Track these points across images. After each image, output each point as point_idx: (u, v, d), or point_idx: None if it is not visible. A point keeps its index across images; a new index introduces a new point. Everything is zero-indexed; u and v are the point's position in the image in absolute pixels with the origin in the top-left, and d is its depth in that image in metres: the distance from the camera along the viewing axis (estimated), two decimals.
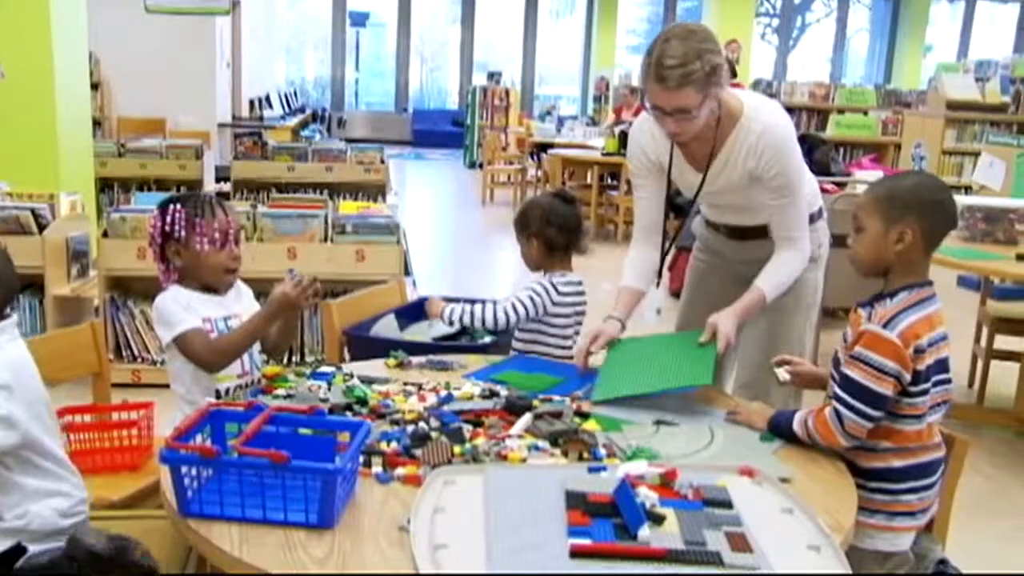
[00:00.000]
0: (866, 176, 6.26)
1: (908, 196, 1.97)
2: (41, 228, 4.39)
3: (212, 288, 2.43)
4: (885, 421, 1.92)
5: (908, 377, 1.88)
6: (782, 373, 2.24)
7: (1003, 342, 4.69)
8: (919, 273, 1.98)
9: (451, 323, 2.82)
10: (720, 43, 2.40)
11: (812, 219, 2.69)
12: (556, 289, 2.81)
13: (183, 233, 2.36)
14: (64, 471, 1.87)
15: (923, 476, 1.97)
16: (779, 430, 2.02)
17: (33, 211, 4.39)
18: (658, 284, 2.79)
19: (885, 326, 1.88)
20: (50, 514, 1.80)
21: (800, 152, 2.57)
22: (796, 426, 1.97)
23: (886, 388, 1.87)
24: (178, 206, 2.37)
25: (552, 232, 2.86)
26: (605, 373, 2.39)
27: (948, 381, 1.96)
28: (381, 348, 2.58)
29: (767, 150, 2.48)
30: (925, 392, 1.92)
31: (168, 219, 2.36)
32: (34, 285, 4.44)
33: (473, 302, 2.83)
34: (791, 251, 2.60)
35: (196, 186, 7.02)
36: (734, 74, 6.57)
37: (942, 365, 1.94)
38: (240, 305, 2.48)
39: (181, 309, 2.34)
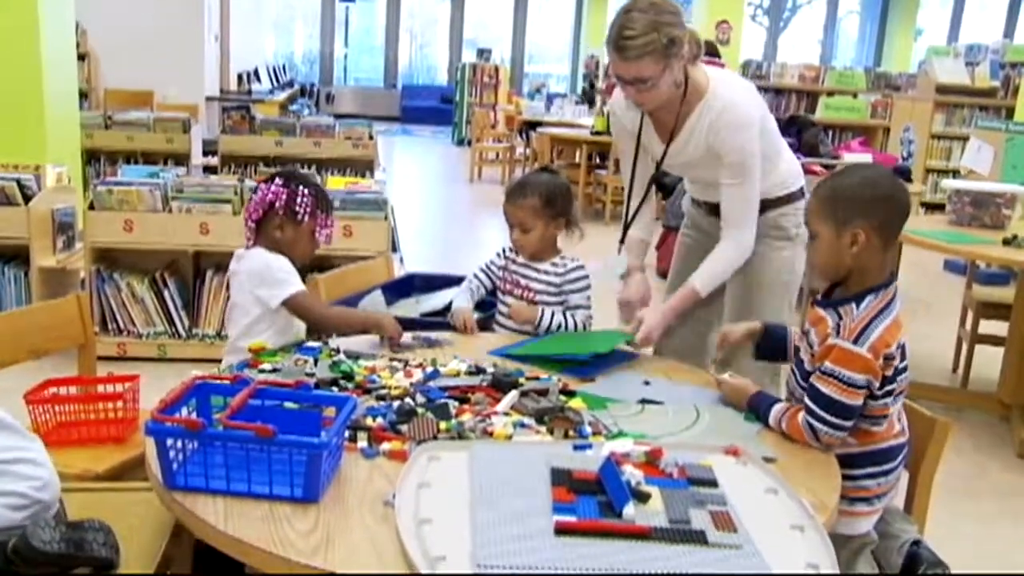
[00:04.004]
0: (855, 159, 6.27)
1: (852, 196, 1.93)
2: (27, 199, 4.36)
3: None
4: None
5: (877, 384, 1.89)
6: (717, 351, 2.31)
7: (988, 326, 4.72)
8: (881, 271, 1.96)
9: (547, 330, 2.67)
10: (683, 16, 2.45)
11: (792, 198, 2.74)
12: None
13: (306, 217, 2.53)
14: (18, 467, 1.66)
15: (882, 462, 1.98)
16: (757, 414, 2.03)
17: (19, 182, 4.37)
18: (619, 250, 2.88)
19: (855, 341, 1.86)
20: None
21: (756, 137, 2.58)
22: (772, 422, 1.97)
23: (857, 400, 1.87)
24: (306, 190, 2.54)
25: (574, 209, 2.83)
26: (532, 344, 2.51)
27: (906, 368, 1.94)
28: None
29: (725, 127, 2.54)
30: (891, 393, 1.93)
31: (298, 199, 2.52)
32: (19, 256, 4.42)
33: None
34: (731, 244, 2.67)
35: (183, 159, 6.99)
36: (715, 53, 6.56)
37: (903, 353, 1.93)
38: None
39: (291, 270, 2.50)
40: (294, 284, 2.47)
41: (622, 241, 2.89)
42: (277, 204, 2.52)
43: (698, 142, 2.60)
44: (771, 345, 2.27)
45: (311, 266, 4.35)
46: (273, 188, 2.53)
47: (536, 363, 2.33)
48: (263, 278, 2.47)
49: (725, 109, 2.54)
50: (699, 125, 2.58)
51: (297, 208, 2.52)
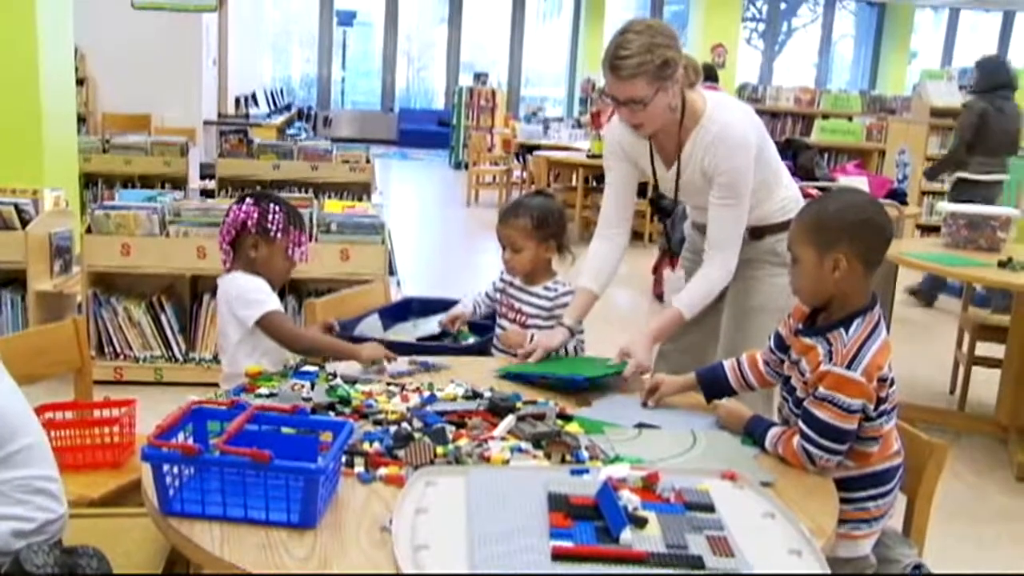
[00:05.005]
0: (850, 182, 6.30)
1: (835, 221, 1.93)
2: (24, 223, 4.36)
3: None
4: None
5: (872, 406, 1.89)
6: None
7: (984, 348, 4.72)
8: (863, 295, 1.95)
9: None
10: (679, 40, 2.48)
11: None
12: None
13: (279, 235, 2.53)
14: (30, 496, 1.68)
15: (880, 483, 1.98)
16: (754, 439, 2.02)
17: (16, 206, 4.37)
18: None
19: (849, 366, 1.86)
20: (3, 532, 1.64)
21: (751, 159, 2.58)
22: (768, 446, 1.97)
23: (852, 424, 1.87)
24: (277, 207, 2.55)
25: (566, 233, 2.84)
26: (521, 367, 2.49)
27: (894, 383, 1.93)
28: None
29: (719, 148, 2.55)
30: (884, 413, 1.92)
31: (270, 217, 2.52)
32: (16, 281, 4.42)
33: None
34: (714, 266, 2.64)
35: (181, 183, 7.00)
36: (713, 77, 6.61)
37: (889, 368, 1.93)
38: None
39: (267, 291, 2.51)
40: (267, 304, 2.49)
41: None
42: (249, 223, 2.53)
43: (695, 166, 2.61)
44: (715, 386, 2.26)
45: (308, 290, 4.37)
46: (244, 208, 2.55)
47: (532, 383, 2.34)
48: (239, 299, 2.51)
49: (721, 131, 2.55)
50: (696, 149, 2.59)
51: (269, 225, 2.53)
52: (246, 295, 2.50)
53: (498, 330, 2.83)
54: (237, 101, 12.35)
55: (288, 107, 15.56)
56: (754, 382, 2.23)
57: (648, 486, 1.68)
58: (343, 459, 1.74)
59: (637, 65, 2.40)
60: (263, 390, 2.17)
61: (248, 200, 2.58)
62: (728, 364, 2.27)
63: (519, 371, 2.41)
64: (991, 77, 6.64)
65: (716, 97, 2.63)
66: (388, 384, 2.27)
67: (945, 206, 4.72)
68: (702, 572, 1.43)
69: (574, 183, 9.62)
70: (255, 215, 2.53)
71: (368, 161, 7.20)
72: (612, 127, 2.78)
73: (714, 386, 2.26)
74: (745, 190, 2.59)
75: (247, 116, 12.00)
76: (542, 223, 2.76)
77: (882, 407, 1.91)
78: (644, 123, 2.54)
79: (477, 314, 2.92)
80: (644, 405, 2.25)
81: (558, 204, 2.90)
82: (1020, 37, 19.20)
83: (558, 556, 1.44)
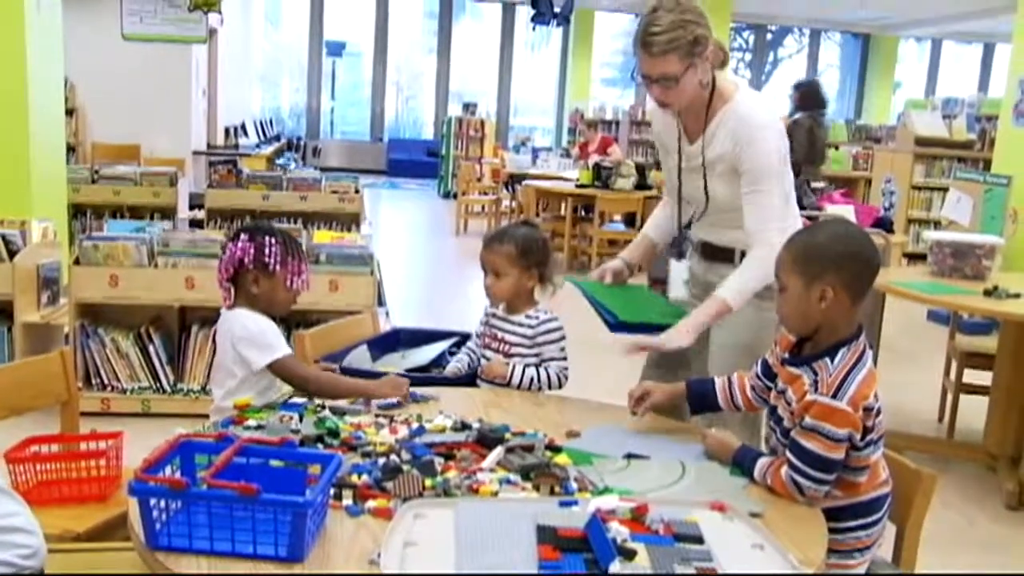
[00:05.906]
0: (837, 210, 6.34)
1: (823, 252, 1.95)
2: (12, 254, 4.35)
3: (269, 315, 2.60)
4: None
5: (859, 435, 1.89)
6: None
7: (972, 376, 4.73)
8: (850, 325, 1.96)
9: (518, 386, 2.71)
10: (707, 19, 2.52)
11: None
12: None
13: (278, 268, 2.52)
14: (9, 536, 1.61)
15: (869, 513, 1.98)
16: (742, 469, 2.02)
17: (4, 237, 4.37)
18: (679, 256, 2.90)
19: (835, 395, 1.87)
20: None
21: (780, 148, 2.60)
22: (757, 476, 1.97)
23: (839, 454, 1.88)
24: (273, 239, 2.53)
25: (550, 263, 2.86)
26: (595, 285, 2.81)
27: (880, 412, 1.94)
28: None
29: (744, 133, 2.57)
30: (871, 442, 1.93)
31: (267, 250, 2.51)
32: (3, 312, 4.40)
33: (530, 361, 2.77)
34: (759, 248, 2.55)
35: (170, 214, 6.99)
36: None
37: (876, 398, 1.93)
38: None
39: (276, 333, 2.51)
40: (279, 349, 2.48)
41: (680, 245, 2.92)
42: (246, 259, 2.52)
43: (715, 147, 2.63)
44: (702, 400, 2.29)
45: (297, 321, 4.36)
46: (240, 244, 2.53)
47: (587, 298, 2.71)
48: (248, 341, 2.49)
49: (747, 115, 2.59)
50: (721, 129, 2.62)
51: (267, 259, 2.52)
52: (256, 338, 2.48)
53: (482, 361, 2.82)
54: (226, 131, 12.39)
55: (277, 137, 15.62)
56: (741, 404, 2.24)
57: (637, 518, 1.68)
58: (331, 492, 1.73)
59: (668, 41, 2.45)
60: (251, 422, 2.16)
61: (243, 236, 2.55)
62: (719, 382, 2.29)
63: (582, 285, 2.74)
64: (813, 98, 7.74)
65: (746, 87, 2.70)
66: (376, 416, 2.26)
67: (931, 235, 4.75)
68: None
69: (563, 212, 9.65)
70: (251, 251, 2.52)
71: (357, 191, 7.20)
72: (653, 119, 2.89)
73: (702, 400, 2.29)
74: (773, 175, 2.57)
75: (236, 146, 12.04)
76: (526, 251, 2.77)
77: (869, 436, 1.92)
78: (673, 101, 2.58)
79: (474, 359, 2.92)
80: (633, 413, 2.27)
81: (543, 234, 2.91)
82: (1000, 68, 19.41)
83: None
